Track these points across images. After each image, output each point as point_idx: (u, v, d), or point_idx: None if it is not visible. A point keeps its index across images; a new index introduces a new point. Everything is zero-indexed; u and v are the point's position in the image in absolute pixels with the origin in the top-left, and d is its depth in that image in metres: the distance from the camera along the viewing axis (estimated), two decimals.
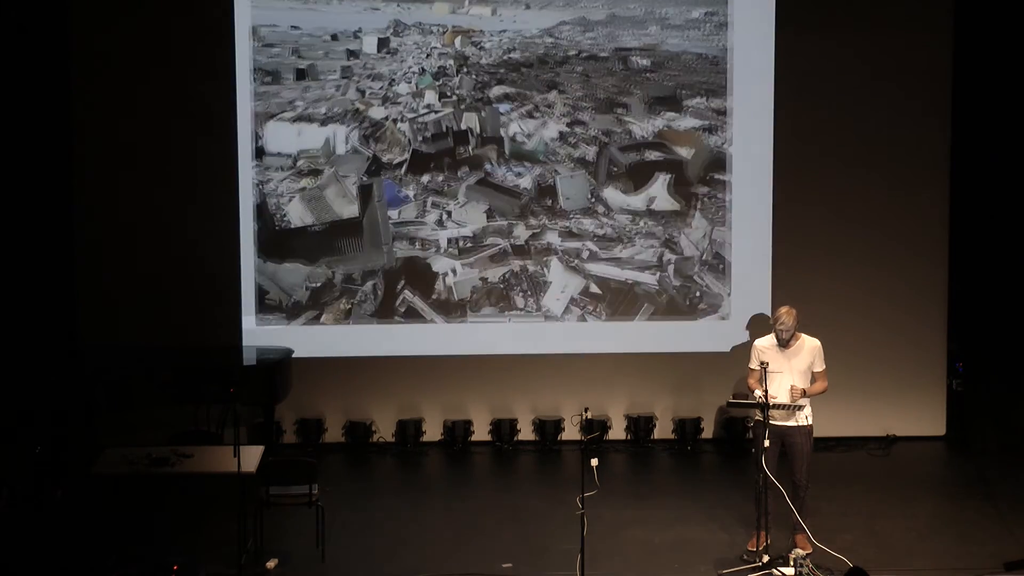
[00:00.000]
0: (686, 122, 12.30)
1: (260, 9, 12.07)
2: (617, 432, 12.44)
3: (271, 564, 9.50)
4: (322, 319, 12.33)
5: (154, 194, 12.03)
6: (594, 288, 12.39)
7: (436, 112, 12.23)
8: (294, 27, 12.09)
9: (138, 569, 9.26)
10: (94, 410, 10.91)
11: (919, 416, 12.48)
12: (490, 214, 12.33)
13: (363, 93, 12.18)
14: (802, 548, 9.47)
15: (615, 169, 12.32)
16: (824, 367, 9.68)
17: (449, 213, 12.31)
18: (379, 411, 12.41)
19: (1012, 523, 10.25)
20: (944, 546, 9.91)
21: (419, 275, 12.33)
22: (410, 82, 12.20)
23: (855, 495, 10.98)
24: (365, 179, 12.24)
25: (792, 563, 9.23)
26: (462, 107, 12.25)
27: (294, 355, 11.66)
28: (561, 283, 12.38)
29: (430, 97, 12.21)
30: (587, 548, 8.91)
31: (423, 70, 12.19)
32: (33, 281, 11.85)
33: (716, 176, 12.32)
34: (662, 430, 12.47)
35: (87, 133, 11.99)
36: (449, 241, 12.34)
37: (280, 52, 12.11)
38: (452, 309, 12.39)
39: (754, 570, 9.37)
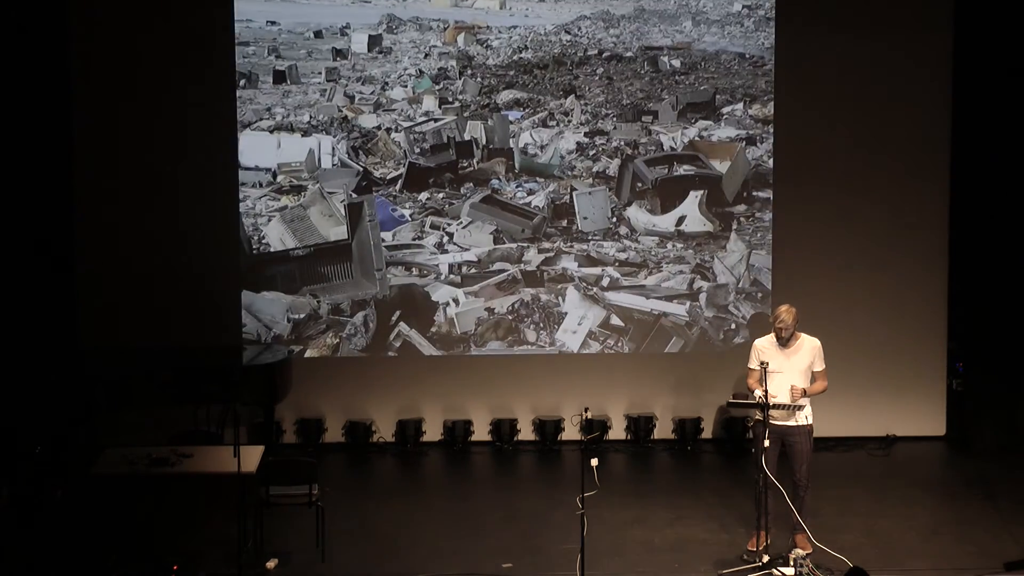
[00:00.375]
0: (723, 131, 11.29)
1: (233, 2, 11.08)
2: (617, 432, 12.44)
3: (271, 564, 9.51)
4: (306, 355, 11.56)
5: (154, 195, 12.03)
6: (616, 320, 11.47)
7: (436, 120, 11.24)
8: (271, 22, 11.07)
9: (138, 569, 9.28)
10: (94, 410, 10.91)
11: (919, 416, 12.49)
12: (497, 236, 11.39)
13: (352, 99, 11.23)
14: (802, 548, 9.48)
15: (640, 185, 11.29)
16: (824, 367, 9.68)
17: (450, 235, 11.38)
18: (379, 411, 12.40)
19: (1012, 523, 10.26)
20: (944, 546, 9.91)
21: (416, 306, 11.45)
22: (406, 86, 11.26)
23: (855, 495, 10.99)
24: (354, 196, 11.32)
25: (792, 563, 9.23)
26: (465, 115, 11.29)
27: (294, 354, 11.67)
28: (578, 314, 11.39)
29: (429, 103, 11.25)
30: (587, 548, 8.92)
31: (421, 72, 11.27)
32: (33, 282, 11.85)
33: (756, 193, 11.33)
34: (662, 430, 12.47)
35: (87, 134, 11.98)
36: (450, 267, 11.41)
37: (256, 51, 11.09)
38: (453, 344, 11.62)
39: (754, 570, 9.37)
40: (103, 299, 12.05)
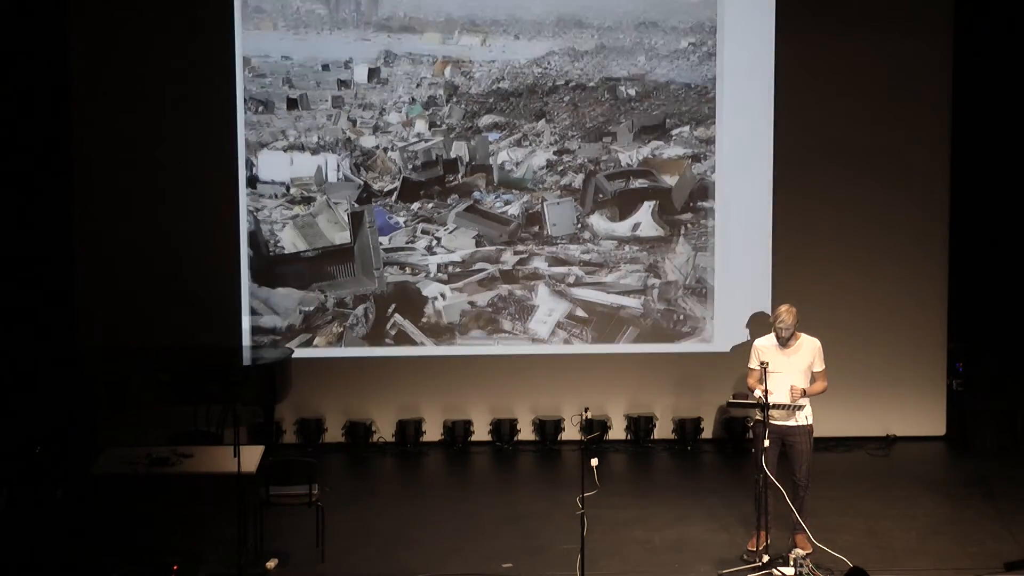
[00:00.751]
0: (672, 150, 12.46)
1: (251, 39, 12.18)
2: (617, 432, 12.44)
3: (271, 564, 9.50)
4: (315, 342, 12.45)
5: (154, 195, 12.04)
6: (580, 312, 12.54)
7: (426, 141, 12.38)
8: (285, 57, 12.23)
9: (138, 569, 9.26)
10: (94, 410, 10.90)
11: (919, 416, 12.48)
12: (479, 240, 12.47)
13: (354, 122, 12.32)
14: (802, 548, 9.47)
15: (601, 196, 12.48)
16: (824, 367, 9.67)
17: (438, 239, 12.46)
18: (379, 411, 12.41)
19: (1012, 523, 10.25)
20: (944, 546, 9.90)
21: (409, 300, 12.46)
22: (400, 111, 12.35)
23: (855, 495, 10.98)
24: (356, 206, 12.39)
25: (792, 563, 9.22)
26: (452, 136, 12.38)
27: (294, 355, 11.68)
28: (548, 307, 12.53)
29: (420, 126, 12.37)
30: (587, 548, 8.91)
31: (413, 99, 12.35)
32: (33, 282, 11.84)
33: (700, 204, 12.48)
34: (662, 430, 12.47)
35: (88, 135, 11.99)
36: (438, 267, 12.47)
37: (272, 82, 12.24)
38: (441, 332, 12.52)
39: (754, 570, 9.36)
40: (103, 299, 12.04)
